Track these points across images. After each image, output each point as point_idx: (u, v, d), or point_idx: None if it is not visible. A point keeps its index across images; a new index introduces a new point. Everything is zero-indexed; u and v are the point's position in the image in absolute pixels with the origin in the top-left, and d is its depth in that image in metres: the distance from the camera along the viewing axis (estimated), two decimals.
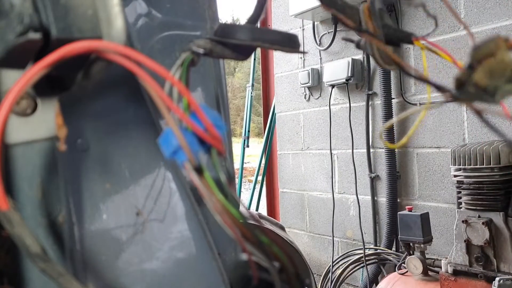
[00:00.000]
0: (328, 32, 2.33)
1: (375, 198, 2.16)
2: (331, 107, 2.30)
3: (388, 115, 2.04)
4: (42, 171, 0.32)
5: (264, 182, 3.12)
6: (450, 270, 1.41)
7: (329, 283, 2.13)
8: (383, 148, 2.09)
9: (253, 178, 3.29)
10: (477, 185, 1.36)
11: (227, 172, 0.44)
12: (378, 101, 2.10)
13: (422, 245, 1.56)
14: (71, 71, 0.28)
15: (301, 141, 2.56)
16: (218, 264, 0.38)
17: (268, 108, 3.04)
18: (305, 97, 2.50)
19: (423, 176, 1.98)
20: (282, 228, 0.95)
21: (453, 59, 0.38)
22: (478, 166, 1.36)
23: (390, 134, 2.05)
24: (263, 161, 3.06)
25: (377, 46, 0.39)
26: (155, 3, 0.38)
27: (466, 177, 1.39)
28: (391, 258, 1.95)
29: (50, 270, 0.27)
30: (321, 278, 2.18)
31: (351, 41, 0.44)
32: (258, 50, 3.12)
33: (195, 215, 0.38)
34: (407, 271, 1.62)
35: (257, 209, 3.09)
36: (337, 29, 2.24)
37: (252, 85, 3.18)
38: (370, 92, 2.14)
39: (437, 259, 1.72)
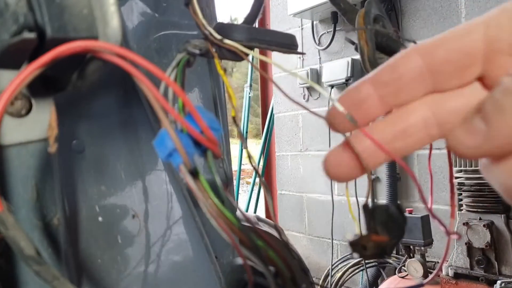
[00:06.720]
0: (327, 32, 2.32)
1: (375, 201, 2.15)
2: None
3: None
4: (37, 172, 0.31)
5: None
6: (451, 273, 1.40)
7: (328, 286, 2.12)
8: None
9: (251, 180, 3.28)
10: (478, 187, 1.36)
11: (224, 174, 0.43)
12: None
13: (422, 248, 1.55)
14: (66, 71, 0.28)
15: (300, 142, 2.55)
16: (215, 268, 0.38)
17: (267, 109, 3.03)
18: (304, 98, 2.49)
19: (423, 178, 1.97)
20: (280, 231, 0.95)
21: None
22: (479, 168, 1.35)
23: None
24: (261, 163, 3.05)
25: (367, 55, 0.39)
26: (152, 2, 0.37)
27: (467, 179, 1.39)
28: (391, 261, 1.94)
29: (45, 273, 0.26)
30: (320, 281, 2.17)
31: (352, 42, 0.44)
32: (256, 50, 3.09)
33: (192, 217, 0.38)
34: (407, 274, 1.61)
35: (255, 212, 3.08)
36: (337, 29, 2.24)
37: (250, 85, 3.16)
38: None
39: (438, 262, 1.71)
